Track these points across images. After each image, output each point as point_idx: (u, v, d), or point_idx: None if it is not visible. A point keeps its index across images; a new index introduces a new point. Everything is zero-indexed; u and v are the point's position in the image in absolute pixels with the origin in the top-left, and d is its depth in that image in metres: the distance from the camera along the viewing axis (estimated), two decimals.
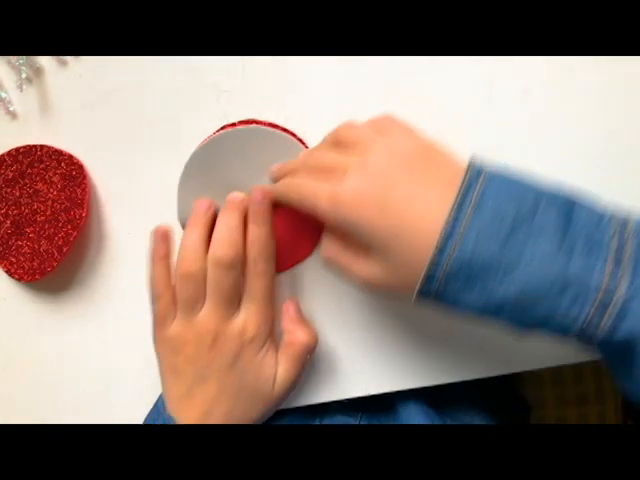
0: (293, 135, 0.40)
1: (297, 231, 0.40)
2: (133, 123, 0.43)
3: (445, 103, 0.39)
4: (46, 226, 0.44)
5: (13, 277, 0.44)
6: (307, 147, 0.40)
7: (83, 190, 0.43)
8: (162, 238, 0.39)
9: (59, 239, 0.43)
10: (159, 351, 0.39)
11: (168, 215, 0.41)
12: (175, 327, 0.38)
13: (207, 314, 0.38)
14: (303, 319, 0.40)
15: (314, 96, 0.40)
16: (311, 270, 0.41)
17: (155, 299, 0.39)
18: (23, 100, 0.44)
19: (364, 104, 0.39)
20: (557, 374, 0.67)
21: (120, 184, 0.44)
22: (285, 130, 0.40)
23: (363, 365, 0.41)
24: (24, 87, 0.43)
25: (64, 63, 0.44)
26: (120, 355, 0.44)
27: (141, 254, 0.43)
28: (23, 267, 0.44)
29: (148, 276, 0.39)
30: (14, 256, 0.44)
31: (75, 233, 0.43)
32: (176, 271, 0.38)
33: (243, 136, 0.39)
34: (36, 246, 0.44)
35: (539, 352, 0.38)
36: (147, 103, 0.43)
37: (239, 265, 0.37)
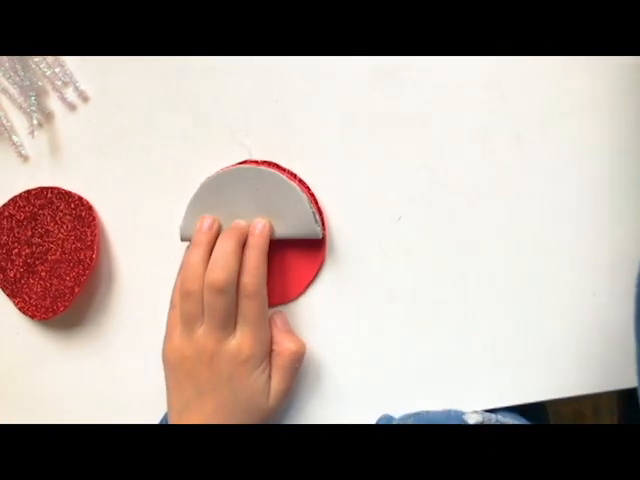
0: (307, 189, 0.42)
1: (289, 270, 0.42)
2: (141, 166, 0.45)
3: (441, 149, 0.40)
4: (57, 265, 0.45)
5: (26, 314, 0.46)
6: (317, 203, 0.42)
7: (92, 231, 0.45)
8: None
9: (70, 279, 0.45)
10: (164, 364, 0.41)
11: (176, 254, 0.43)
12: (178, 341, 0.40)
13: (204, 333, 0.39)
14: (290, 329, 0.42)
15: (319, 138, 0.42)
16: (303, 309, 0.43)
17: (170, 307, 0.41)
18: (34, 144, 0.46)
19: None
20: None
21: (128, 224, 0.45)
22: (301, 182, 0.41)
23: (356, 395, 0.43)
24: (35, 133, 0.45)
25: (73, 108, 0.45)
26: (130, 388, 0.46)
27: (149, 292, 0.45)
28: (35, 305, 0.46)
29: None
30: (27, 294, 0.46)
31: (86, 274, 0.44)
32: (179, 288, 0.40)
33: (261, 175, 0.41)
34: (48, 285, 0.45)
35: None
36: (154, 147, 0.44)
37: (232, 289, 0.39)
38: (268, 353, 0.40)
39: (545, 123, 0.39)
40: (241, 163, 0.42)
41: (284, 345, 0.41)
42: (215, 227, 0.41)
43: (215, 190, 0.41)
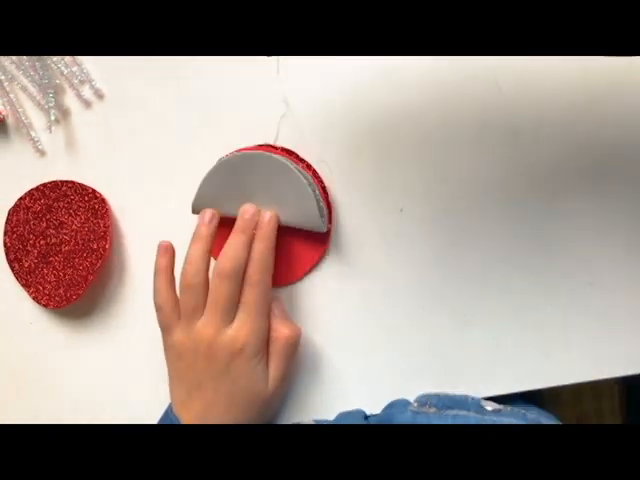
0: (320, 182, 0.43)
1: (292, 255, 0.44)
2: (152, 161, 0.46)
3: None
4: (71, 256, 0.47)
5: (40, 303, 0.48)
6: (328, 196, 0.43)
7: (105, 222, 0.46)
8: (163, 252, 0.43)
9: (84, 269, 0.46)
10: (166, 357, 0.43)
11: (185, 246, 0.44)
12: (178, 335, 0.42)
13: (204, 323, 0.41)
14: (286, 316, 0.43)
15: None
16: (306, 297, 0.44)
17: (157, 310, 0.43)
18: (51, 139, 0.48)
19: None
20: (555, 395, 0.69)
21: (140, 217, 0.47)
22: (315, 174, 0.43)
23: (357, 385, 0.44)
24: (52, 128, 0.47)
25: (89, 105, 0.47)
26: (142, 377, 0.47)
27: None
28: (49, 294, 0.47)
29: (156, 285, 0.42)
30: (40, 284, 0.48)
31: (99, 263, 0.46)
32: (180, 282, 0.42)
33: (274, 165, 0.41)
34: (61, 274, 0.47)
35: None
36: (166, 143, 0.46)
37: (237, 278, 0.40)
38: (266, 342, 0.42)
39: (540, 119, 0.41)
40: (262, 146, 0.44)
41: (280, 331, 0.42)
42: (215, 221, 0.42)
43: (231, 170, 0.42)
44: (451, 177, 0.42)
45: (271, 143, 0.44)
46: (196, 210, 0.44)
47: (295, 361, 0.44)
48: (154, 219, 0.47)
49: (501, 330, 0.42)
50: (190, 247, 0.42)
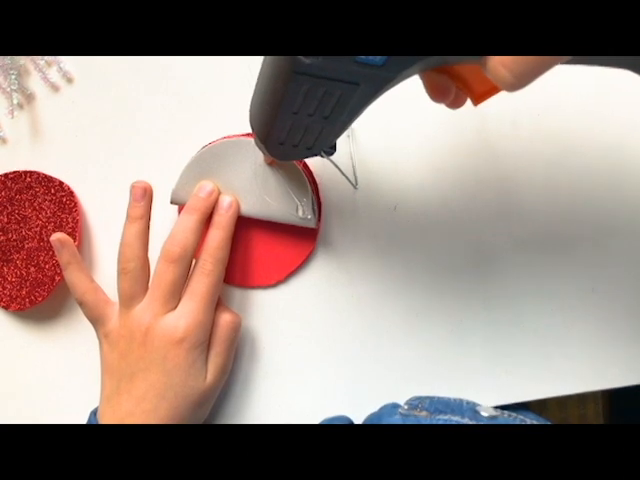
0: (311, 175, 0.40)
1: (276, 253, 0.41)
2: (125, 150, 0.43)
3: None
4: (35, 254, 0.43)
5: None
6: (319, 192, 0.40)
7: (74, 218, 0.42)
8: (60, 247, 0.39)
9: (50, 268, 0.42)
10: (100, 351, 0.39)
11: (158, 241, 0.41)
12: (113, 323, 0.39)
13: (142, 308, 0.38)
14: (224, 303, 0.41)
15: None
16: (288, 295, 0.41)
17: (79, 305, 0.39)
18: (13, 125, 0.44)
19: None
20: (541, 402, 0.67)
21: (111, 211, 0.43)
22: (306, 167, 0.40)
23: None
24: (15, 113, 0.43)
25: (56, 89, 0.43)
26: None
27: None
28: (10, 295, 0.43)
29: (68, 281, 0.39)
30: (0, 284, 0.43)
31: None
32: (117, 267, 0.38)
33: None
34: (24, 274, 0.43)
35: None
36: (139, 130, 0.43)
37: (183, 264, 0.38)
38: (208, 336, 0.38)
39: (539, 111, 0.38)
40: (249, 134, 0.40)
41: (222, 316, 0.39)
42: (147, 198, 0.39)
43: (214, 158, 0.39)
44: (447, 170, 0.39)
45: None
46: (175, 201, 0.40)
47: (278, 366, 0.41)
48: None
49: (498, 336, 0.39)
50: (125, 228, 0.38)
